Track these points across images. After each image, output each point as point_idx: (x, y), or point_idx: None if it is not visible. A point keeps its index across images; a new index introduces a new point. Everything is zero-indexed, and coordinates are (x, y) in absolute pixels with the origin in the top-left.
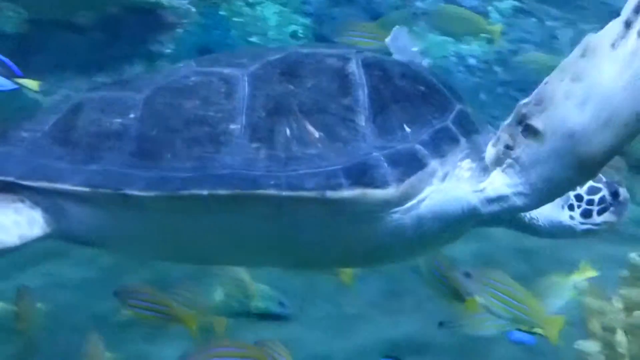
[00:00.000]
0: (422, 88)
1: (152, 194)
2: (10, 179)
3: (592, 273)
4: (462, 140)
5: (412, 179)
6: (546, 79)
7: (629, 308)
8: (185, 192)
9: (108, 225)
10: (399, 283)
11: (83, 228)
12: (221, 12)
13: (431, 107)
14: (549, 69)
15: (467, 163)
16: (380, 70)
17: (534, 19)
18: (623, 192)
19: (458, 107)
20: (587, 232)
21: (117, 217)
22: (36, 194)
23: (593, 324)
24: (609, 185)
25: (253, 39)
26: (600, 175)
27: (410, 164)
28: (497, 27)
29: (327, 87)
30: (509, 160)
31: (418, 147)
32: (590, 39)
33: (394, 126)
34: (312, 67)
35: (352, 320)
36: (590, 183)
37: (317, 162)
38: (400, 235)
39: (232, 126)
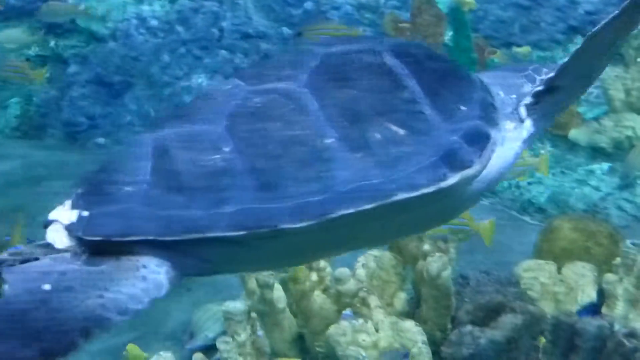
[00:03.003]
0: (445, 65)
1: (305, 223)
2: (150, 237)
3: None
4: (494, 103)
5: (486, 152)
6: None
7: None
8: (334, 215)
9: (239, 258)
10: None
11: (207, 266)
12: None
13: (461, 81)
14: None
15: (509, 124)
16: (409, 57)
17: None
18: None
19: (470, 74)
20: None
21: (254, 248)
22: (159, 248)
23: (250, 283)
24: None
25: None
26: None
27: (480, 140)
28: None
29: (382, 84)
30: (532, 113)
31: (478, 122)
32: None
33: (452, 108)
34: (355, 67)
35: None
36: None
37: (417, 159)
38: (475, 198)
39: (326, 141)
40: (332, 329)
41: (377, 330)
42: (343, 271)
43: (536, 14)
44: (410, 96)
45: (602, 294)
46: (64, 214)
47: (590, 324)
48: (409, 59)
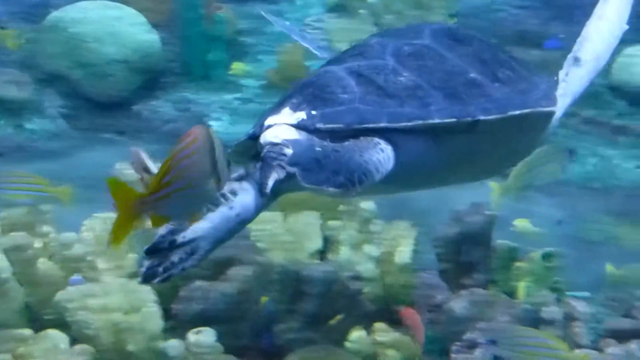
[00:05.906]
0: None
1: (495, 116)
2: (381, 125)
3: None
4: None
5: (557, 100)
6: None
7: (6, 230)
8: (510, 113)
9: (426, 155)
10: None
11: (406, 161)
12: None
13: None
14: None
15: None
16: (474, 35)
17: None
18: None
19: None
20: None
21: (442, 143)
22: (380, 136)
23: None
24: None
25: None
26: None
27: (553, 89)
28: None
29: (481, 46)
30: (562, 81)
31: (548, 78)
32: None
33: (524, 66)
34: (450, 34)
35: None
36: None
37: (534, 91)
38: (546, 138)
39: (472, 75)
40: (60, 295)
41: (106, 293)
42: (68, 236)
43: None
44: (503, 54)
45: (327, 240)
46: (286, 117)
47: (316, 270)
48: (477, 36)
